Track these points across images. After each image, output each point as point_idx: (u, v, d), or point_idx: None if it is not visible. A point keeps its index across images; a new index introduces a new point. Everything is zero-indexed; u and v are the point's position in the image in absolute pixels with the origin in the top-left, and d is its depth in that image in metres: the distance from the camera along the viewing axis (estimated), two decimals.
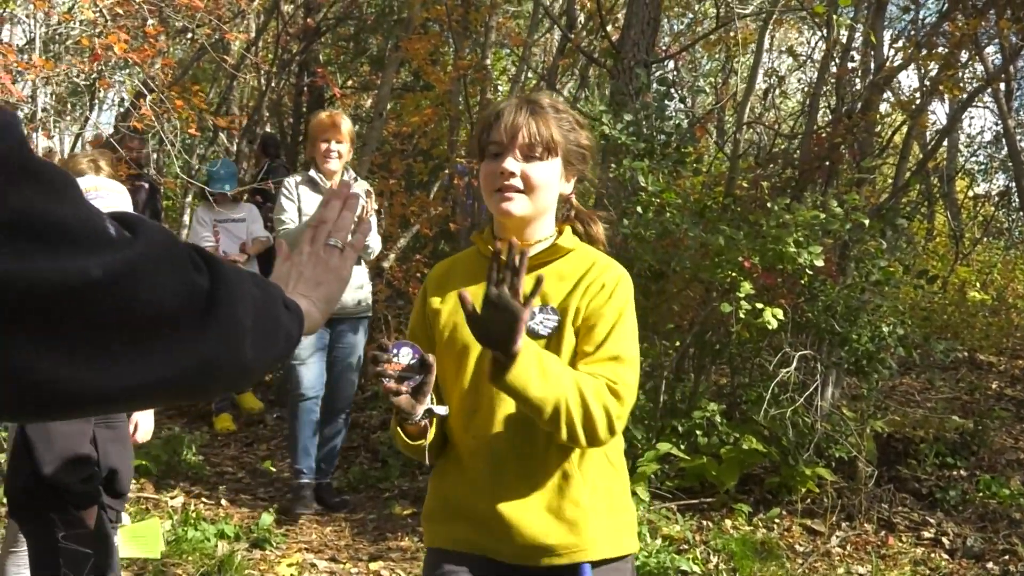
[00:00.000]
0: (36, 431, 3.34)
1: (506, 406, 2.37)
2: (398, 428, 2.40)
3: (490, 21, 9.81)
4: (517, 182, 2.37)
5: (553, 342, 2.38)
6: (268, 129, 10.77)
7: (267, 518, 5.74)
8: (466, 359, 2.43)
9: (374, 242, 6.35)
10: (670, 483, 6.17)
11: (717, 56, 12.50)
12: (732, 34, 9.59)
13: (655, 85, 7.36)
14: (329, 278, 1.58)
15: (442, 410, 2.38)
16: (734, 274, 6.00)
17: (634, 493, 5.69)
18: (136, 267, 1.02)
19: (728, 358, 7.05)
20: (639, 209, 6.38)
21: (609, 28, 9.64)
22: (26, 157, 0.96)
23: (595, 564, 2.38)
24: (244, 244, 7.73)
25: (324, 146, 5.76)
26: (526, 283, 2.22)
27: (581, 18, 10.44)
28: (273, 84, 10.86)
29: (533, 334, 2.33)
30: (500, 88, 10.78)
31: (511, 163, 2.36)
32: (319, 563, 5.31)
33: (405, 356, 2.22)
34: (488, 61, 9.81)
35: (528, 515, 2.37)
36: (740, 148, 7.69)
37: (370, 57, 11.55)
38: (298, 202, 5.78)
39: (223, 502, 6.14)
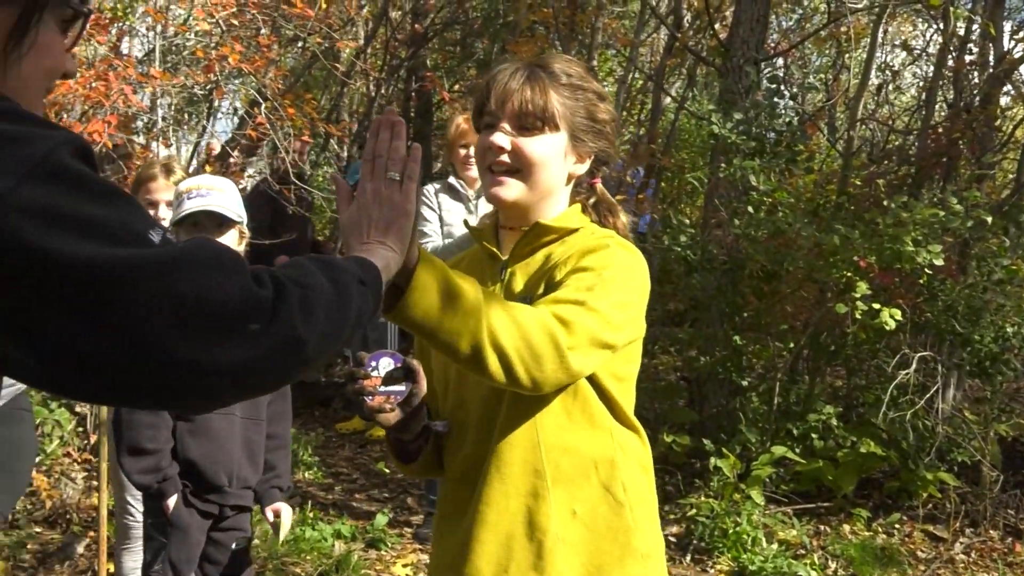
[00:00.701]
0: (121, 422, 3.43)
1: (496, 416, 2.01)
2: (391, 451, 2.15)
3: (596, 22, 9.74)
4: (508, 159, 2.01)
5: None
6: None
7: (381, 519, 5.77)
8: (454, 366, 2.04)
9: None
10: (785, 487, 6.04)
11: (828, 52, 12.24)
12: (844, 29, 9.35)
13: (765, 83, 7.25)
14: (396, 215, 1.56)
15: (440, 426, 2.09)
16: (849, 274, 5.88)
17: (749, 497, 5.57)
18: (175, 263, 1.07)
19: (844, 360, 6.87)
20: (750, 209, 6.29)
21: (717, 26, 9.51)
22: (64, 166, 1.04)
23: None
24: None
25: (463, 152, 5.30)
26: (520, 278, 2.05)
27: (688, 17, 10.31)
28: (382, 90, 10.96)
29: None
30: (608, 88, 10.68)
31: (500, 137, 2.00)
32: None
33: (385, 367, 1.87)
34: (595, 62, 9.75)
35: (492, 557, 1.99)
36: (853, 145, 7.51)
37: (477, 61, 11.56)
38: (439, 211, 5.46)
39: (339, 503, 6.19)
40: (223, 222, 3.32)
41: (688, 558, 5.44)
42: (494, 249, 2.12)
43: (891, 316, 5.65)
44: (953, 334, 6.21)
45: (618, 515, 2.02)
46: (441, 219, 5.35)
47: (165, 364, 1.07)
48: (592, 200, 2.20)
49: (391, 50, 10.92)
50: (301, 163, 8.13)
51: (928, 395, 6.11)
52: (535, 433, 1.98)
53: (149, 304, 1.05)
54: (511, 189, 2.02)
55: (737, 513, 5.48)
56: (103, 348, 1.05)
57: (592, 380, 2.00)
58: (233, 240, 3.39)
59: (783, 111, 7.38)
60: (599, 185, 2.22)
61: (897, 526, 5.88)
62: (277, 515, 3.53)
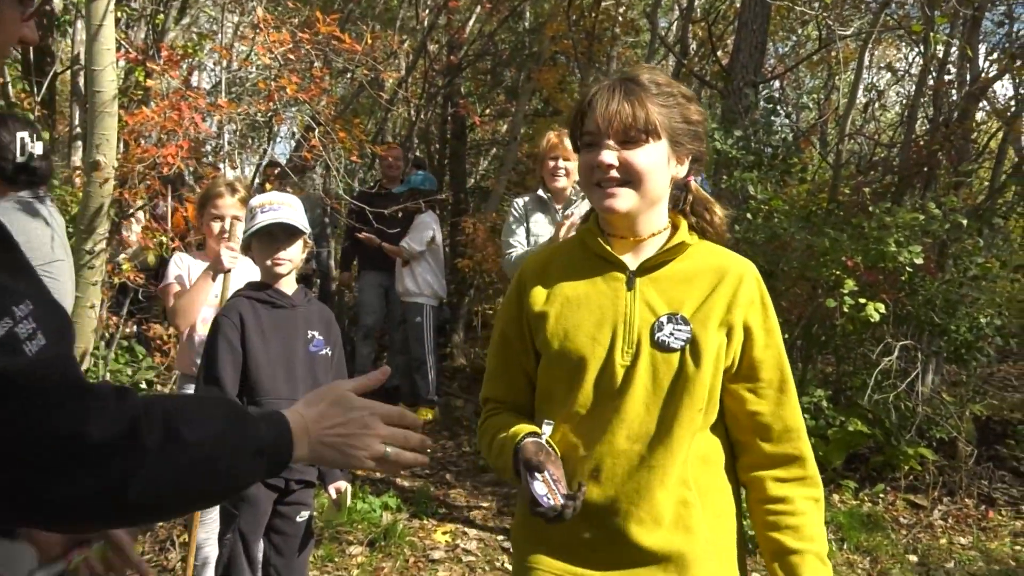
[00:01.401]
0: None
1: (627, 430, 1.95)
2: (510, 460, 2.00)
3: (611, 51, 9.93)
4: (618, 173, 1.94)
5: (687, 356, 1.92)
6: (418, 154, 11.07)
7: (424, 491, 5.96)
8: (582, 373, 1.99)
9: None
10: None
11: (819, 75, 12.36)
12: (834, 54, 9.50)
13: (762, 103, 7.40)
14: (348, 457, 1.42)
15: (548, 429, 1.99)
16: (838, 272, 6.00)
17: None
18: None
19: (833, 349, 7.03)
20: (749, 215, 6.44)
21: (719, 53, 9.68)
22: None
23: None
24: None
25: (552, 164, 5.11)
26: (653, 292, 1.99)
27: (694, 45, 10.50)
28: (422, 115, 11.18)
29: (663, 347, 1.92)
30: None
31: (608, 154, 1.93)
32: (470, 531, 5.51)
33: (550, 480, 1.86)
34: None
35: (637, 551, 1.95)
36: (843, 158, 7.65)
37: (505, 88, 11.74)
38: (527, 222, 5.27)
39: (385, 478, 6.37)
40: (293, 232, 3.40)
41: None
42: (618, 258, 2.04)
43: (876, 309, 5.79)
44: (932, 325, 6.36)
45: (731, 516, 2.08)
46: (528, 230, 5.25)
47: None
48: (690, 199, 2.13)
49: (429, 79, 11.10)
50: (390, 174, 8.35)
51: (909, 379, 6.26)
52: (687, 445, 1.95)
53: None
54: (624, 200, 1.96)
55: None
56: None
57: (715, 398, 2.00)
58: (299, 249, 3.47)
59: (779, 128, 7.54)
60: (693, 182, 2.13)
61: (881, 495, 6.03)
62: (339, 492, 3.56)
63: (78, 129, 7.43)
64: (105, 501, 1.08)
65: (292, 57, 7.13)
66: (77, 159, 7.18)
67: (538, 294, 2.09)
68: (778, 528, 1.99)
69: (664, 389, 1.92)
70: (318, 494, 3.91)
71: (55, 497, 1.04)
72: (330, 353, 3.54)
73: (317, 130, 6.86)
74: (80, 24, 7.42)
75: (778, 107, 7.46)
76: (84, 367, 5.55)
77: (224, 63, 7.46)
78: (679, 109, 1.98)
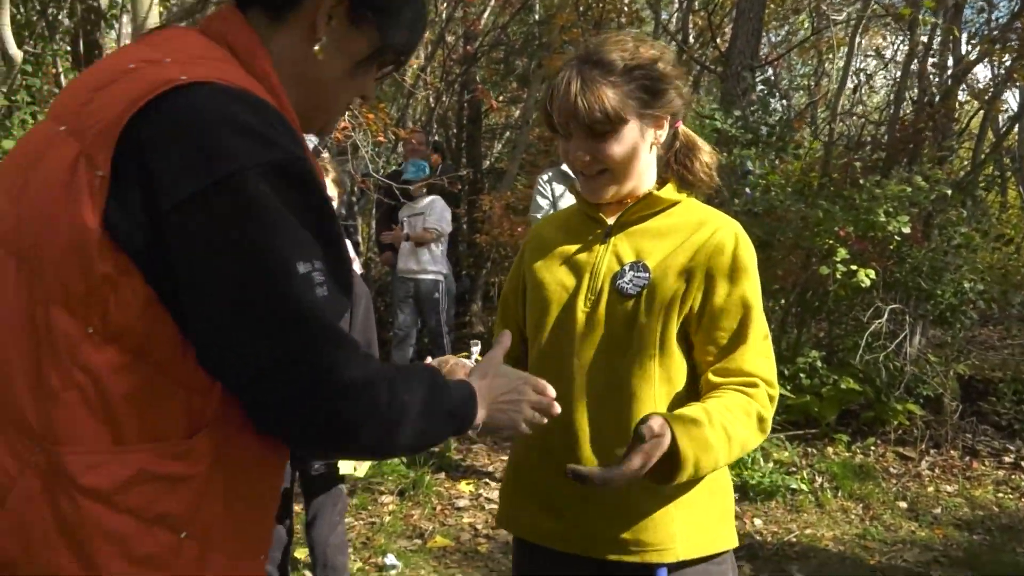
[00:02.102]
0: None
1: (586, 375, 1.79)
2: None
3: None
4: (596, 164, 1.77)
5: (641, 301, 1.75)
6: (436, 138, 11.00)
7: (447, 448, 5.94)
8: (547, 318, 1.87)
9: None
10: (779, 418, 6.13)
11: (810, 61, 12.22)
12: (825, 40, 9.37)
13: (759, 86, 7.30)
14: (512, 420, 1.49)
15: (475, 350, 1.98)
16: (831, 241, 5.94)
17: None
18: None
19: (826, 313, 6.96)
20: (747, 189, 6.36)
21: (718, 41, 9.55)
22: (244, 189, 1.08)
23: (677, 566, 1.76)
24: (407, 232, 7.42)
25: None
26: (626, 244, 1.83)
27: (694, 33, 10.37)
28: (441, 100, 11.11)
29: (621, 292, 1.77)
30: None
31: (579, 148, 1.77)
32: (492, 483, 5.48)
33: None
34: None
35: (601, 503, 1.76)
36: (834, 136, 7.54)
37: (517, 75, 11.64)
38: (552, 197, 5.32)
39: None
40: None
41: None
42: (600, 215, 1.88)
43: (866, 275, 5.72)
44: (919, 290, 6.30)
45: None
46: (555, 205, 5.27)
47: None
48: (676, 146, 1.88)
49: (447, 68, 11.04)
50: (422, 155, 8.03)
51: (897, 340, 6.20)
52: (649, 396, 1.78)
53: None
54: (606, 190, 1.80)
55: None
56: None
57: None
58: None
59: (774, 109, 7.45)
60: (681, 127, 1.88)
61: (872, 448, 5.97)
62: None
63: None
64: (340, 436, 1.16)
65: None
66: None
67: (532, 253, 1.97)
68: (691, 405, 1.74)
69: (618, 335, 1.77)
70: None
71: (298, 420, 1.12)
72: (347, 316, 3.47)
73: (346, 113, 6.80)
74: (126, 19, 7.36)
75: (774, 89, 7.34)
76: None
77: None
78: (642, 81, 1.74)
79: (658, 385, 1.77)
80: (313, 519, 3.62)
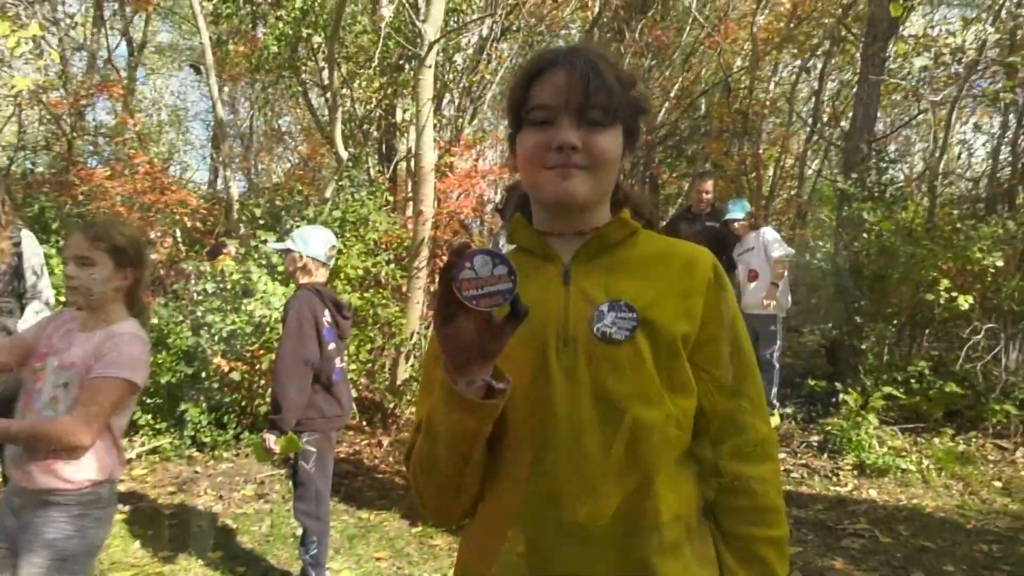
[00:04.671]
0: None
1: (576, 448, 1.10)
2: (451, 385, 1.03)
3: (761, 126, 9.57)
4: (581, 158, 1.13)
5: (630, 347, 1.11)
6: None
7: None
8: (517, 381, 1.09)
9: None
10: (893, 415, 5.75)
11: (926, 137, 11.32)
12: (931, 118, 8.70)
13: (873, 156, 6.94)
14: None
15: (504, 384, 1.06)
16: (935, 274, 5.56)
17: (867, 419, 5.36)
18: None
19: (933, 331, 6.45)
20: (865, 235, 6.06)
21: (842, 123, 9.10)
22: None
23: None
24: (752, 272, 5.83)
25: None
26: (592, 283, 1.17)
27: (825, 116, 9.92)
28: (630, 177, 11.19)
29: (606, 339, 1.11)
30: (769, 170, 10.39)
31: (571, 134, 1.12)
32: None
33: (483, 265, 0.97)
34: (761, 150, 9.58)
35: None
36: (936, 192, 7.02)
37: (686, 157, 11.59)
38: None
39: None
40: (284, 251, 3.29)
41: (825, 456, 5.33)
42: (551, 248, 1.21)
43: (965, 301, 5.33)
44: (1012, 313, 5.74)
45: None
46: None
47: None
48: (621, 195, 1.28)
49: (634, 153, 11.11)
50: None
51: (993, 352, 5.68)
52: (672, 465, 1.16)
53: None
54: (582, 185, 1.14)
55: (858, 429, 5.32)
56: None
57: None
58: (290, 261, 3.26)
59: (888, 174, 7.03)
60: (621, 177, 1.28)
61: (973, 439, 5.47)
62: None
63: (410, 193, 8.00)
64: None
65: None
66: (408, 212, 7.74)
67: None
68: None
69: (610, 388, 1.10)
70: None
71: None
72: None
73: None
74: (411, 130, 8.00)
75: (884, 156, 6.94)
76: (412, 342, 5.96)
77: (498, 146, 7.80)
78: (634, 100, 1.21)
79: (672, 433, 1.13)
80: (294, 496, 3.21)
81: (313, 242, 3.20)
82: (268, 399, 3.04)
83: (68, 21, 10.56)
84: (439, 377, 1.06)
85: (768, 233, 5.87)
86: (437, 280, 1.00)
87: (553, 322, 1.14)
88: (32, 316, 3.66)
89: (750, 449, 1.18)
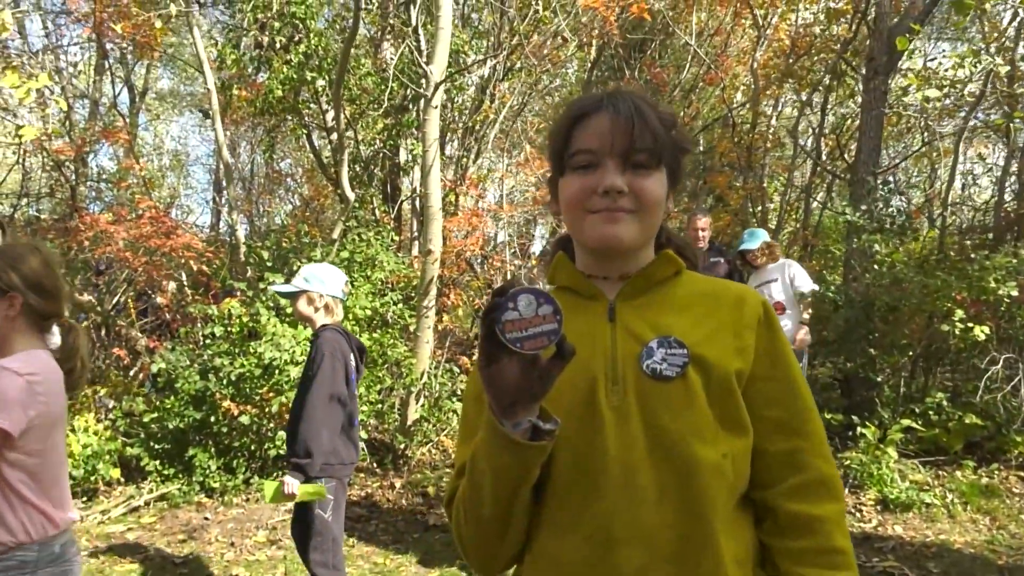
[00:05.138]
0: None
1: (629, 491, 1.05)
2: (497, 426, 1.00)
3: (764, 159, 9.65)
4: (628, 202, 1.11)
5: (682, 384, 1.07)
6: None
7: None
8: (564, 424, 1.05)
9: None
10: (913, 448, 5.67)
11: (924, 168, 11.41)
12: (934, 150, 8.80)
13: (881, 188, 6.98)
14: None
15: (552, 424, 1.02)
16: (949, 305, 5.54)
17: (886, 453, 5.28)
18: None
19: (949, 362, 6.41)
20: (876, 266, 6.06)
21: (845, 155, 9.18)
22: None
23: None
24: (779, 304, 5.49)
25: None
26: (639, 320, 1.14)
27: (825, 151, 10.01)
28: None
29: (656, 375, 1.08)
30: (774, 202, 10.44)
31: (617, 177, 1.10)
32: None
33: (527, 305, 0.94)
34: (764, 183, 9.64)
35: None
36: (946, 222, 7.04)
37: (688, 192, 11.67)
38: None
39: None
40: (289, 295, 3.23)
41: (846, 491, 5.24)
42: (595, 287, 1.18)
43: (981, 331, 5.29)
44: None
45: None
46: None
47: None
48: (664, 237, 1.26)
49: None
50: None
51: (1012, 383, 5.62)
52: (726, 507, 1.10)
53: None
54: (629, 228, 1.12)
55: (878, 463, 5.24)
56: None
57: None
58: (301, 305, 3.17)
59: (893, 205, 7.06)
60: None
61: (996, 471, 5.37)
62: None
63: (415, 233, 8.03)
64: None
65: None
66: (414, 251, 7.76)
67: None
68: None
69: (665, 427, 1.06)
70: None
71: None
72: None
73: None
74: (416, 170, 8.06)
75: (894, 187, 6.98)
76: (422, 382, 5.92)
77: (504, 184, 7.86)
78: (677, 143, 1.18)
79: (729, 473, 1.07)
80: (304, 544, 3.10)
81: (330, 280, 3.17)
82: (281, 441, 2.92)
83: (71, 70, 10.70)
84: (483, 418, 1.02)
85: (794, 266, 5.64)
86: (480, 321, 1.00)
87: (600, 360, 1.11)
88: None
89: (812, 488, 1.11)
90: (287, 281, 3.39)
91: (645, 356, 1.09)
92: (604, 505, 1.04)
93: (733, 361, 1.10)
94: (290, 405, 3.03)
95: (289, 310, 5.30)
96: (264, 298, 5.70)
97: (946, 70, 6.58)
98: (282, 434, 4.99)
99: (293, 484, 2.89)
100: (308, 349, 3.18)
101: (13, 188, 10.12)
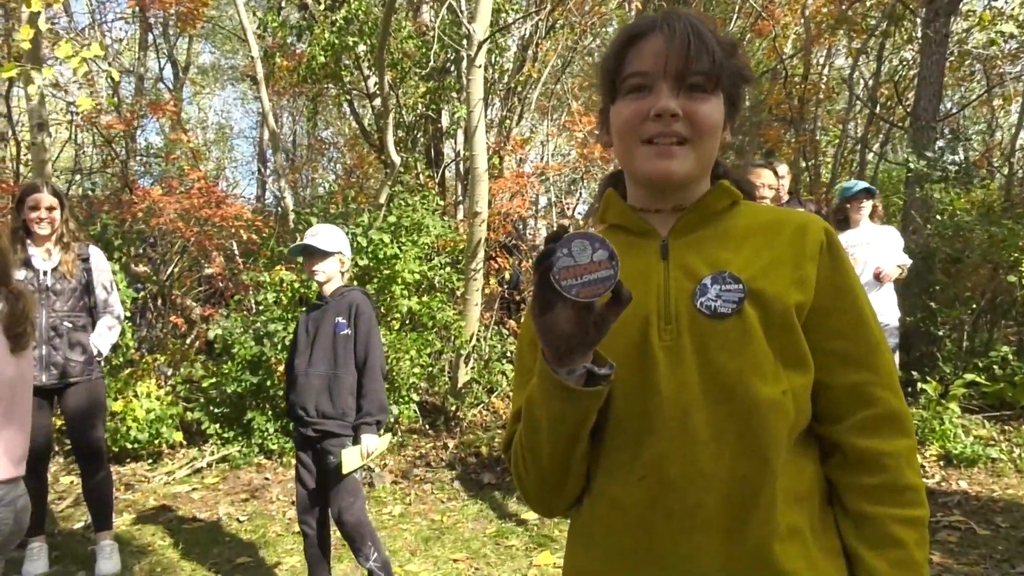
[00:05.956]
0: None
1: (702, 429, 1.00)
2: (551, 374, 0.97)
3: (817, 111, 9.38)
4: (682, 127, 1.04)
5: (738, 321, 1.02)
6: None
7: None
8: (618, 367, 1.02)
9: None
10: (976, 402, 5.53)
11: (985, 116, 10.95)
12: (999, 96, 8.43)
13: (946, 135, 6.74)
14: None
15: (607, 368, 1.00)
16: (1016, 255, 5.35)
17: (948, 408, 5.17)
18: None
19: (1015, 315, 6.21)
20: (938, 216, 5.88)
21: (902, 104, 8.86)
22: None
23: None
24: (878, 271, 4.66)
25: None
26: (693, 256, 1.08)
27: (882, 100, 9.69)
28: None
29: (711, 313, 1.02)
30: (827, 155, 10.16)
31: (670, 100, 1.04)
32: None
33: (581, 250, 0.91)
34: (818, 136, 9.39)
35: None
36: (1013, 168, 6.77)
37: (734, 147, 11.42)
38: None
39: None
40: (320, 253, 3.13)
41: None
42: (647, 224, 1.12)
43: None
44: None
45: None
46: None
47: None
48: (721, 171, 1.17)
49: None
50: None
51: None
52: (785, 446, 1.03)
53: None
54: (684, 162, 1.06)
55: (940, 418, 5.13)
56: None
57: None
58: (332, 265, 3.16)
59: (958, 153, 6.82)
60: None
61: None
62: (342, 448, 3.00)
63: (460, 197, 8.04)
64: None
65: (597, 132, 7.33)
66: (459, 216, 7.77)
67: None
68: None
69: (721, 366, 1.01)
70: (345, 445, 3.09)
71: None
72: (351, 332, 3.11)
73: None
74: (459, 134, 8.05)
75: (959, 135, 6.73)
76: (472, 344, 5.98)
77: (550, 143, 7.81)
78: (737, 70, 1.10)
79: (790, 411, 1.01)
80: (336, 508, 3.10)
81: (345, 243, 3.21)
82: (340, 404, 2.97)
83: (116, 46, 10.91)
84: (537, 365, 1.01)
85: (896, 234, 4.94)
86: (532, 269, 0.96)
87: (653, 300, 1.07)
88: (104, 330, 3.76)
89: (881, 423, 1.05)
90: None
91: (699, 293, 1.05)
92: (659, 447, 1.02)
93: (792, 294, 1.04)
94: (306, 365, 3.07)
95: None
96: None
97: (1012, 8, 6.27)
98: None
99: (373, 441, 2.98)
100: (320, 305, 3.19)
101: (67, 164, 10.43)
